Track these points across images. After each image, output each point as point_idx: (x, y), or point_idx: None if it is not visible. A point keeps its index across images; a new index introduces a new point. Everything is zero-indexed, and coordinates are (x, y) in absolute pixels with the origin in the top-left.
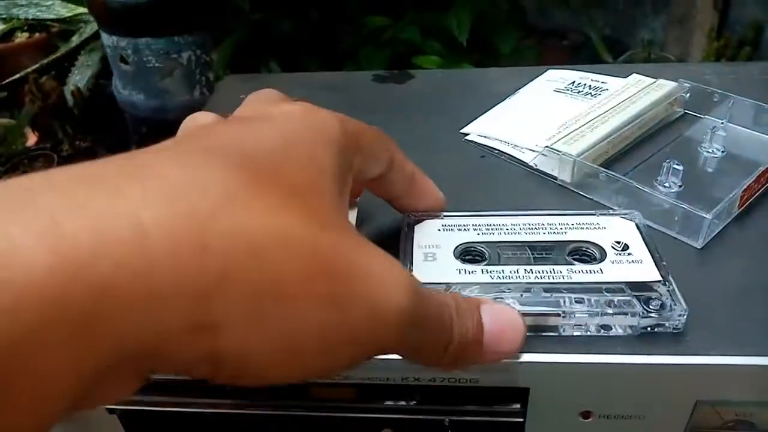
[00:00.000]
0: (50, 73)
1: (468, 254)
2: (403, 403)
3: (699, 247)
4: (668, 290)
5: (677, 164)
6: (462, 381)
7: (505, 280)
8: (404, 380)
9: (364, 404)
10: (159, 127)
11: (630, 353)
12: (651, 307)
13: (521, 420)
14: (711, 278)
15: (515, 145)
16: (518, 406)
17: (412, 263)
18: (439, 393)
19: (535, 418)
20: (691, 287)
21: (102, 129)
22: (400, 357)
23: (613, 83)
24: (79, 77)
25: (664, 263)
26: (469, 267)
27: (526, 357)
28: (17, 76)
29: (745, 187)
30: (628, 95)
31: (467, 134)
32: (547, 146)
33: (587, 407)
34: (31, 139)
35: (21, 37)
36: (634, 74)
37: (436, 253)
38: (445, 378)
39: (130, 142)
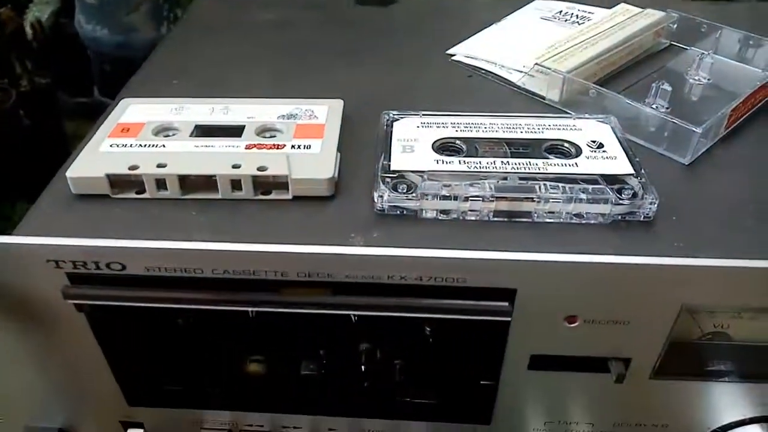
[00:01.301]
0: (6, 5)
1: (446, 148)
2: (387, 298)
3: (686, 164)
4: (640, 182)
5: (666, 85)
6: (449, 280)
7: (482, 170)
8: (390, 279)
9: (341, 301)
10: (123, 64)
11: (615, 254)
12: (623, 195)
13: (508, 319)
14: (698, 192)
15: (502, 66)
16: (506, 303)
17: (390, 155)
18: (426, 292)
19: (521, 321)
20: (678, 200)
21: (63, 66)
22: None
23: (600, 13)
24: (39, 13)
25: (638, 160)
26: (447, 158)
27: (513, 255)
28: None
29: (733, 107)
30: (616, 21)
31: (454, 55)
32: (537, 63)
33: (572, 311)
34: None
35: None
36: (622, 3)
37: (414, 146)
38: (433, 277)
39: (92, 81)
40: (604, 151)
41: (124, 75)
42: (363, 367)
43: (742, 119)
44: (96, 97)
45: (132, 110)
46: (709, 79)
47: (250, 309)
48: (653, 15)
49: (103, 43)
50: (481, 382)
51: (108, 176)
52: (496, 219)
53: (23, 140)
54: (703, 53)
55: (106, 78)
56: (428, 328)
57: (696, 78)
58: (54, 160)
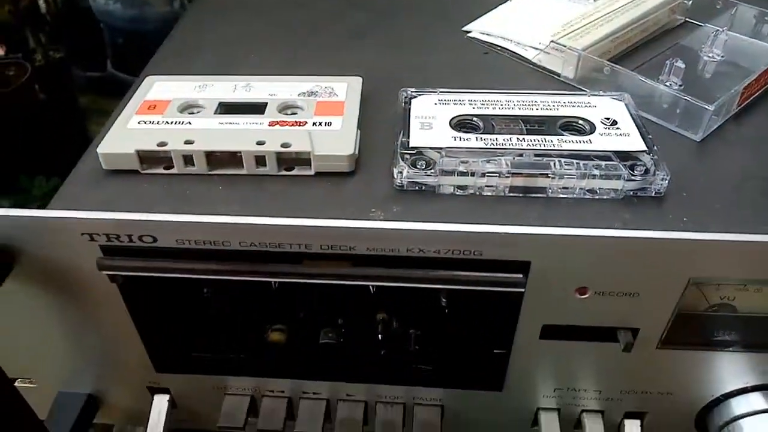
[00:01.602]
0: None
1: (463, 125)
2: (406, 270)
3: (698, 140)
4: (652, 159)
5: (679, 62)
6: (466, 253)
7: (498, 147)
8: (409, 251)
9: (362, 272)
10: (136, 38)
11: (626, 228)
12: (636, 171)
13: (521, 291)
14: (708, 169)
15: (518, 43)
16: (521, 276)
17: (408, 132)
18: (443, 265)
19: (534, 293)
20: (689, 177)
21: (76, 40)
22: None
23: None
24: None
25: (650, 136)
26: (464, 135)
27: (528, 229)
28: None
29: (746, 84)
30: None
31: (469, 32)
32: (552, 41)
33: (583, 283)
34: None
35: None
36: None
37: (432, 123)
38: (450, 250)
39: (105, 55)
40: (617, 128)
41: (137, 49)
42: (380, 335)
43: (755, 96)
44: (109, 70)
45: (157, 88)
46: (722, 56)
47: (275, 280)
48: None
49: (116, 16)
50: (494, 351)
51: (138, 152)
52: (511, 194)
53: (39, 114)
54: (718, 30)
55: (118, 52)
56: (444, 300)
57: (710, 55)
58: (70, 134)
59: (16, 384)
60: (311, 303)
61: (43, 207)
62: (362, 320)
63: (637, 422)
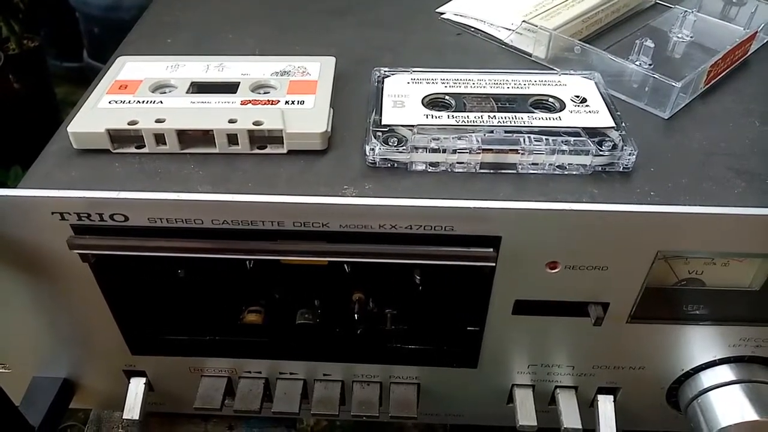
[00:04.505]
0: None
1: (435, 103)
2: (380, 245)
3: (666, 118)
4: (620, 135)
5: (649, 42)
6: (438, 229)
7: (469, 124)
8: (382, 228)
9: (335, 249)
10: (112, 27)
11: (595, 202)
12: (604, 147)
13: (493, 265)
14: (676, 145)
15: (491, 23)
16: (491, 250)
17: (381, 110)
18: (416, 240)
19: (505, 267)
20: (657, 152)
21: (51, 29)
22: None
23: None
24: None
25: (619, 113)
26: (436, 113)
27: (499, 204)
28: None
29: (712, 63)
30: None
31: (443, 13)
32: (524, 21)
33: (554, 257)
34: None
35: None
36: None
37: (404, 101)
38: (422, 226)
39: (81, 44)
40: (587, 106)
41: (114, 38)
42: (356, 315)
43: (721, 75)
44: (85, 60)
45: (129, 68)
46: (691, 37)
47: (249, 257)
48: None
49: (91, 4)
50: (468, 328)
51: (108, 131)
52: (482, 171)
53: (14, 104)
54: (687, 11)
55: (95, 41)
56: (418, 277)
57: (679, 35)
58: (46, 125)
59: None
60: (287, 284)
61: None
62: (338, 300)
63: (610, 397)
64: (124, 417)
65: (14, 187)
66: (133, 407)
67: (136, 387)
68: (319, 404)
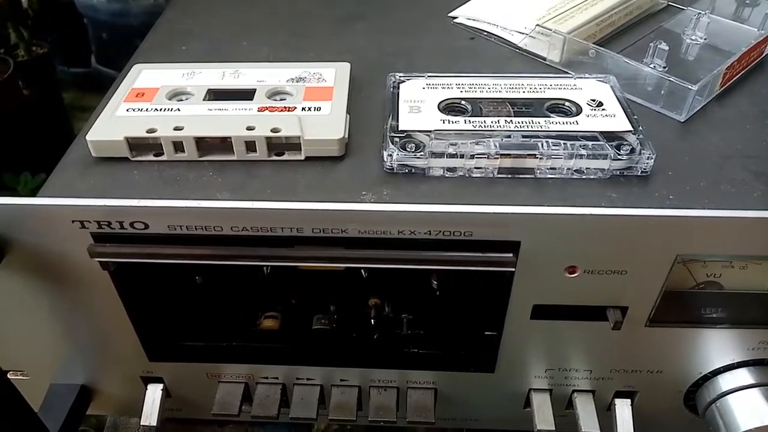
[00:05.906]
0: None
1: (451, 108)
2: (398, 251)
3: (682, 121)
4: (638, 138)
5: (663, 45)
6: (456, 234)
7: (486, 129)
8: (400, 233)
9: (354, 255)
10: (120, 33)
11: (613, 206)
12: (621, 151)
13: (512, 270)
14: (692, 148)
15: (504, 27)
16: (510, 255)
17: (398, 116)
18: (434, 246)
19: (524, 272)
20: (674, 156)
21: (59, 35)
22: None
23: None
24: None
25: (636, 117)
26: (452, 118)
27: (517, 209)
28: None
29: (728, 65)
30: None
31: (456, 18)
32: (538, 24)
33: (573, 262)
34: None
35: None
36: None
37: (420, 106)
38: (440, 231)
39: (89, 50)
40: (603, 110)
41: (122, 43)
42: (372, 320)
43: (736, 77)
44: (94, 66)
45: (145, 75)
46: (705, 39)
47: (267, 264)
48: None
49: (99, 10)
50: (486, 333)
51: (127, 139)
52: (500, 176)
53: (23, 111)
54: (700, 13)
55: (103, 47)
56: (435, 282)
57: (693, 37)
58: (55, 131)
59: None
60: (304, 289)
61: None
62: (355, 305)
63: (628, 401)
64: (141, 423)
65: (25, 193)
66: (150, 413)
67: (154, 393)
68: (336, 409)
